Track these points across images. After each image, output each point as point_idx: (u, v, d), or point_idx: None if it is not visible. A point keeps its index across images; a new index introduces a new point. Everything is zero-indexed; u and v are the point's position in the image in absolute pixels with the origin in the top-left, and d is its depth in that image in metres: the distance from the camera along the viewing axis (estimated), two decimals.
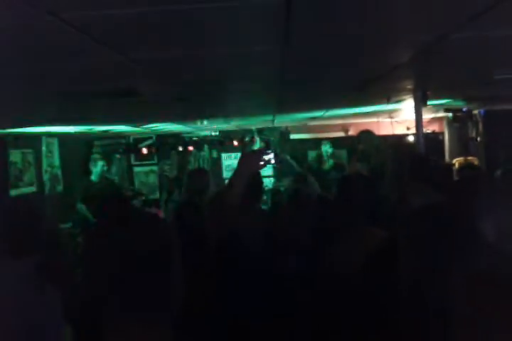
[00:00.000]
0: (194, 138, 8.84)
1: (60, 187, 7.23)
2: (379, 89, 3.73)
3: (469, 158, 6.31)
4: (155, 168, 8.79)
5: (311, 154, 7.77)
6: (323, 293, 1.79)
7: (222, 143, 8.80)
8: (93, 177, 6.37)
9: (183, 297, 1.14)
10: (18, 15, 1.36)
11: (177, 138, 8.74)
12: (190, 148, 8.64)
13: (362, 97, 4.28)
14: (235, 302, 1.96)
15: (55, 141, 7.16)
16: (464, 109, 5.93)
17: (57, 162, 7.23)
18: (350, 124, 8.31)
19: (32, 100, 3.33)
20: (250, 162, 2.02)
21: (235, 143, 8.67)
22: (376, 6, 1.58)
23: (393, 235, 2.19)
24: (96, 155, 6.89)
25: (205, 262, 2.12)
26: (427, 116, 7.04)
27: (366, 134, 6.70)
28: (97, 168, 6.37)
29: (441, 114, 7.19)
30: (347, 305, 1.74)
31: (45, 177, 6.89)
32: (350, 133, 8.28)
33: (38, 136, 6.65)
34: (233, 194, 1.92)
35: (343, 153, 7.67)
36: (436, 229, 1.79)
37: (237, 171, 2.03)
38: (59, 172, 7.27)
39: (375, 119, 7.61)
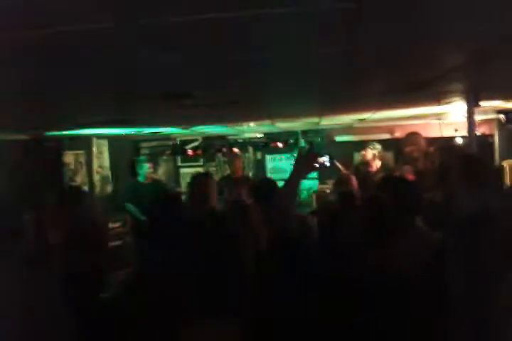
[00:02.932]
0: (239, 140, 8.93)
1: (109, 188, 7.44)
2: (429, 91, 3.68)
3: None
4: (201, 169, 8.92)
5: (357, 156, 7.70)
6: (376, 294, 1.80)
7: (267, 145, 8.84)
8: (140, 179, 6.47)
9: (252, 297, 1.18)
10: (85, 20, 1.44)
11: (222, 140, 8.85)
12: (235, 149, 8.73)
13: (411, 99, 4.24)
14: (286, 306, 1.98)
15: (105, 143, 7.38)
16: None
17: (107, 163, 7.45)
18: (397, 126, 8.19)
19: (86, 102, 3.45)
20: (305, 164, 2.07)
21: (280, 145, 8.70)
22: (429, 9, 1.58)
23: (445, 237, 2.17)
24: (142, 157, 7.02)
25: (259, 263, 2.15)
26: (476, 117, 6.85)
27: (413, 136, 6.60)
28: (143, 169, 6.46)
29: (491, 116, 7.00)
30: (400, 305, 1.74)
31: (96, 177, 7.11)
32: (397, 135, 8.16)
33: (89, 138, 6.87)
34: (288, 194, 1.96)
35: (389, 156, 7.57)
36: (486, 237, 1.77)
37: (293, 172, 2.08)
38: (109, 173, 7.49)
39: (422, 121, 7.48)
